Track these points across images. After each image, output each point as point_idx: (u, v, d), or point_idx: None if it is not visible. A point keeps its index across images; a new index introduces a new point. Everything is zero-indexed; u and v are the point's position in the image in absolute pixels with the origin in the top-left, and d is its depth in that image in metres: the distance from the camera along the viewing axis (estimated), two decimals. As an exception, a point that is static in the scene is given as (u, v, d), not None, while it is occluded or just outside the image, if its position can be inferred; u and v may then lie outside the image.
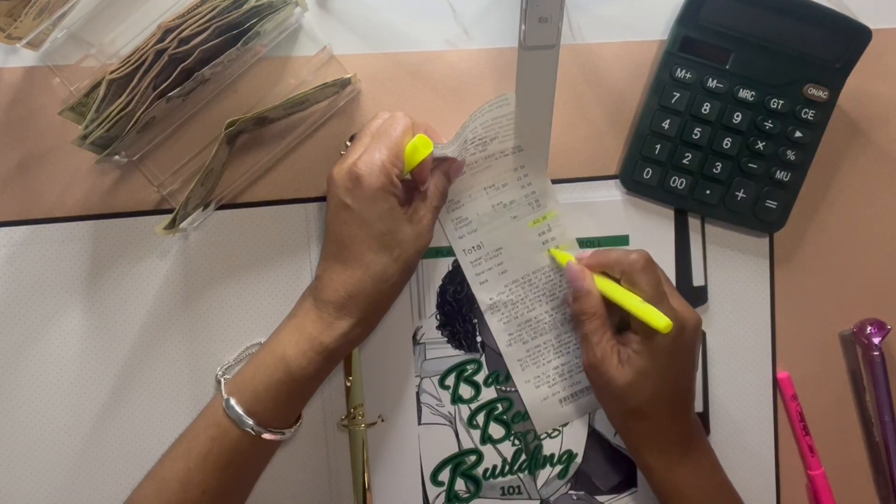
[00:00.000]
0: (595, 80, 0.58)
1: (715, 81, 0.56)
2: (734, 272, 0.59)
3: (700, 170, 0.57)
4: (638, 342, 0.50)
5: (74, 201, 0.55)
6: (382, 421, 0.57)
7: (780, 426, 0.60)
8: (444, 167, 0.54)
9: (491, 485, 0.59)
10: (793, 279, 0.60)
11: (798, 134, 0.56)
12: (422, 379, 0.58)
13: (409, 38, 0.57)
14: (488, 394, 0.58)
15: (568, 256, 0.55)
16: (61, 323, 0.55)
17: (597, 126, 0.58)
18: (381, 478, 0.58)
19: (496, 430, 0.59)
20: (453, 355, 0.58)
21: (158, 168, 0.56)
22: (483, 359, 0.58)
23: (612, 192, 0.58)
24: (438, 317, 0.58)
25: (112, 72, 0.48)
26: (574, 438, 0.59)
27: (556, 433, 0.59)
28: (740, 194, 0.57)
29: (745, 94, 0.56)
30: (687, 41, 0.56)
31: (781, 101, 0.56)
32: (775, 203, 0.57)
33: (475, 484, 0.59)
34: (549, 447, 0.59)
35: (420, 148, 0.50)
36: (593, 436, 0.59)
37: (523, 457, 0.59)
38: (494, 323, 0.57)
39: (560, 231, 0.57)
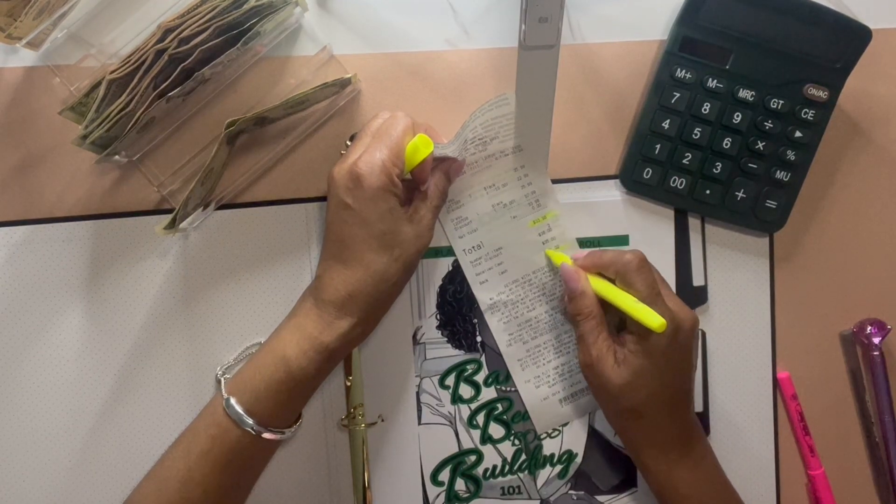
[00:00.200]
0: (595, 80, 0.58)
1: (715, 81, 0.56)
2: (734, 272, 0.59)
3: (700, 170, 0.57)
4: (634, 342, 0.50)
5: (74, 201, 0.55)
6: (382, 421, 0.57)
7: (780, 426, 0.60)
8: (445, 167, 0.54)
9: (491, 485, 0.59)
10: (793, 279, 0.60)
11: (798, 134, 0.56)
12: (422, 379, 0.58)
13: (409, 38, 0.57)
14: (488, 394, 0.58)
15: (563, 257, 0.56)
16: (61, 323, 0.55)
17: (597, 126, 0.58)
18: (381, 477, 0.58)
19: (496, 430, 0.59)
20: (453, 355, 0.58)
21: (158, 168, 0.56)
22: (483, 359, 0.58)
23: (612, 192, 0.58)
24: (438, 317, 0.58)
25: (112, 72, 0.48)
26: (574, 438, 0.59)
27: (556, 433, 0.59)
28: (740, 194, 0.57)
29: (745, 94, 0.56)
30: (687, 41, 0.56)
31: (781, 101, 0.56)
32: (775, 203, 0.57)
33: (475, 484, 0.59)
34: (549, 447, 0.59)
35: (420, 148, 0.50)
36: (593, 436, 0.59)
37: (523, 457, 0.59)
38: (494, 323, 0.57)
39: (560, 231, 0.57)
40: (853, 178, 0.60)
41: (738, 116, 0.56)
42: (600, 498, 0.59)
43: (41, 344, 0.55)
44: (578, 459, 0.59)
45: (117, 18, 0.55)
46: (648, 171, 0.57)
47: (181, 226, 0.54)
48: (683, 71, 0.56)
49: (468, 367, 0.58)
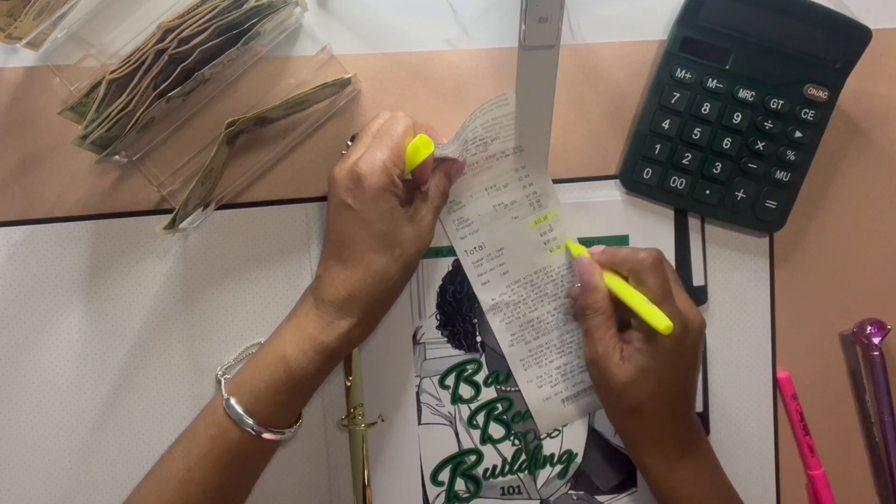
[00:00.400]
0: (595, 80, 0.58)
1: (715, 81, 0.56)
2: (734, 272, 0.59)
3: (700, 170, 0.57)
4: (640, 340, 0.50)
5: (74, 201, 0.55)
6: (382, 421, 0.57)
7: (780, 426, 0.60)
8: (445, 167, 0.54)
9: (491, 485, 0.59)
10: (793, 279, 0.60)
11: (798, 134, 0.56)
12: (422, 379, 0.58)
13: (409, 38, 0.57)
14: (488, 394, 0.58)
15: (581, 248, 0.56)
16: (61, 323, 0.55)
17: (597, 126, 0.58)
18: (381, 477, 0.58)
19: (496, 430, 0.59)
20: (453, 355, 0.58)
21: (158, 168, 0.56)
22: (483, 359, 0.58)
23: (612, 192, 0.58)
24: (438, 317, 0.58)
25: (112, 72, 0.48)
26: (574, 438, 0.59)
27: (556, 433, 0.59)
28: (740, 194, 0.57)
29: (745, 94, 0.56)
30: (687, 41, 0.56)
31: (781, 101, 0.56)
32: (775, 203, 0.57)
33: (475, 484, 0.59)
34: (549, 447, 0.59)
35: (421, 148, 0.50)
36: (593, 436, 0.59)
37: (523, 457, 0.59)
38: (496, 323, 0.57)
39: (561, 231, 0.57)
40: (853, 178, 0.60)
41: (738, 116, 0.56)
42: (600, 498, 0.59)
43: (41, 344, 0.55)
44: (578, 459, 0.59)
45: (117, 18, 0.55)
46: (648, 171, 0.57)
47: (181, 226, 0.54)
48: (683, 71, 0.56)
49: (468, 367, 0.58)
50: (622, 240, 0.58)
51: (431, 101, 0.57)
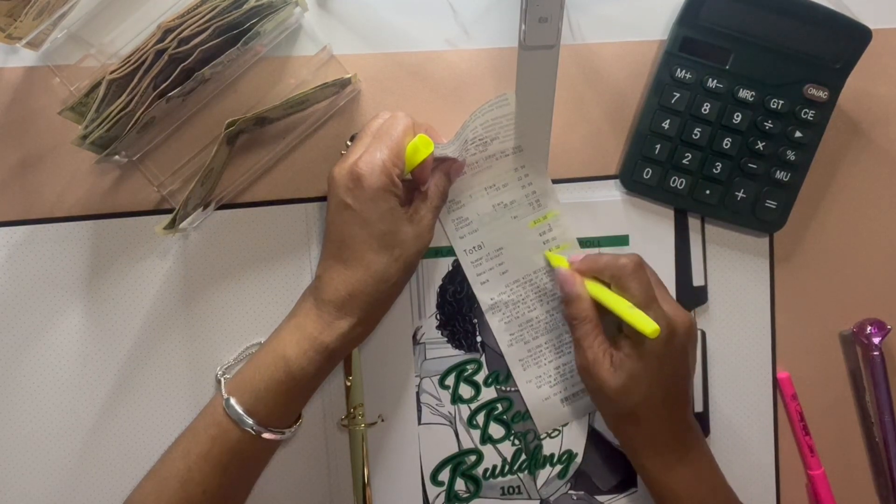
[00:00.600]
0: (595, 80, 0.58)
1: (715, 81, 0.56)
2: (734, 272, 0.59)
3: (700, 170, 0.57)
4: (629, 346, 0.50)
5: (74, 201, 0.55)
6: (382, 421, 0.57)
7: (780, 426, 0.60)
8: (445, 167, 0.54)
9: (491, 485, 0.59)
10: (793, 279, 0.60)
11: (798, 134, 0.56)
12: (422, 379, 0.58)
13: (409, 38, 0.57)
14: (488, 394, 0.58)
15: (561, 259, 0.55)
16: (61, 323, 0.55)
17: (597, 126, 0.58)
18: (381, 477, 0.58)
19: (496, 430, 0.59)
20: (453, 355, 0.58)
21: (158, 168, 0.56)
22: (483, 359, 0.58)
23: (612, 192, 0.58)
24: (438, 317, 0.58)
25: (112, 72, 0.48)
26: (574, 438, 0.59)
27: (556, 433, 0.59)
28: (740, 194, 0.57)
29: (745, 94, 0.56)
30: (687, 41, 0.56)
31: (781, 101, 0.56)
32: (775, 203, 0.57)
33: (475, 484, 0.59)
34: (549, 447, 0.59)
35: (421, 148, 0.50)
36: (593, 436, 0.59)
37: (523, 457, 0.59)
38: (495, 323, 0.57)
39: (561, 231, 0.57)
40: (853, 178, 0.60)
41: (738, 116, 0.56)
42: (600, 498, 0.59)
43: (41, 344, 0.55)
44: (578, 459, 0.59)
45: (117, 18, 0.55)
46: (648, 171, 0.57)
47: (181, 226, 0.54)
48: (683, 71, 0.56)
49: (468, 367, 0.58)
50: (622, 240, 0.58)
51: (431, 101, 0.57)
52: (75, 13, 0.53)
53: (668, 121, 0.57)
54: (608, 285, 0.52)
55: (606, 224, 0.58)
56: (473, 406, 0.58)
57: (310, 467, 0.57)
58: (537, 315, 0.58)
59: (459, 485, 0.59)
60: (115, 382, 0.56)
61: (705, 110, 0.56)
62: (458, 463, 0.58)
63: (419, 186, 0.52)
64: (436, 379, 0.58)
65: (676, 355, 0.51)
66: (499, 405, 0.59)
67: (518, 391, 0.58)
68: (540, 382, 0.58)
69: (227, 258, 0.56)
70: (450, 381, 0.58)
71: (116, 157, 0.53)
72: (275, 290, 0.57)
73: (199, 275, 0.56)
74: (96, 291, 0.56)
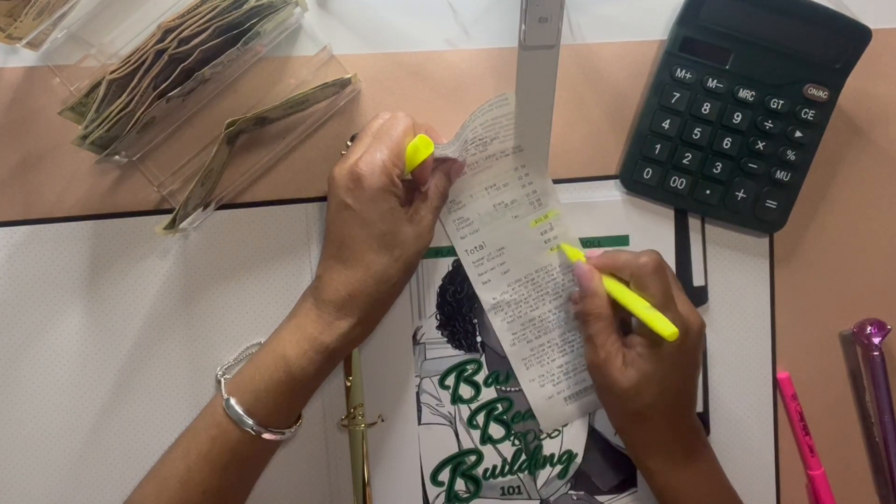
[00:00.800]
0: (595, 80, 0.58)
1: (715, 81, 0.56)
2: (734, 272, 0.59)
3: (700, 170, 0.57)
4: (643, 346, 0.50)
5: (74, 201, 0.55)
6: (382, 421, 0.57)
7: (780, 426, 0.60)
8: (445, 167, 0.54)
9: (491, 485, 0.59)
10: (793, 279, 0.60)
11: (798, 134, 0.56)
12: (422, 379, 0.58)
13: (409, 38, 0.57)
14: (488, 394, 0.58)
15: (578, 254, 0.55)
16: (61, 323, 0.55)
17: (597, 126, 0.58)
18: (381, 478, 0.58)
19: (496, 430, 0.59)
20: (453, 355, 0.58)
21: (158, 168, 0.56)
22: (483, 359, 0.58)
23: (612, 192, 0.58)
24: (438, 317, 0.58)
25: (112, 72, 0.48)
26: (574, 438, 0.59)
27: (556, 433, 0.59)
28: (740, 194, 0.57)
29: (745, 94, 0.56)
30: (687, 41, 0.56)
31: (781, 101, 0.56)
32: (775, 203, 0.57)
33: (475, 484, 0.59)
34: (549, 447, 0.59)
35: (421, 148, 0.50)
36: (593, 436, 0.59)
37: (523, 457, 0.59)
38: (498, 323, 0.57)
39: (562, 230, 0.57)
40: (853, 178, 0.60)
41: (738, 116, 0.56)
42: (600, 498, 0.59)
43: (41, 344, 0.55)
44: (578, 459, 0.59)
45: (117, 18, 0.55)
46: (648, 171, 0.57)
47: (181, 226, 0.54)
48: (683, 71, 0.56)
49: (468, 367, 0.58)
50: (622, 240, 0.58)
51: (431, 101, 0.57)
52: (75, 13, 0.53)
53: (668, 121, 0.57)
54: (625, 283, 0.52)
55: (606, 224, 0.58)
56: (473, 406, 0.58)
57: (310, 467, 0.57)
58: (540, 314, 0.58)
59: (459, 485, 0.59)
60: (115, 382, 0.56)
61: (705, 110, 0.56)
62: (458, 463, 0.58)
63: (419, 187, 0.52)
64: (436, 379, 0.58)
65: (688, 356, 0.51)
66: (499, 405, 0.59)
67: (518, 391, 0.58)
68: (543, 381, 0.58)
69: (227, 258, 0.56)
70: (450, 381, 0.58)
71: (116, 157, 0.53)
72: (275, 290, 0.57)
73: (199, 275, 0.56)
74: (96, 291, 0.56)
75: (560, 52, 0.50)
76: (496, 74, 0.58)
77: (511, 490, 0.59)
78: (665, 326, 0.48)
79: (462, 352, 0.58)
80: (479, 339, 0.58)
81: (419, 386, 0.58)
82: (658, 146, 0.57)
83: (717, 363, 0.59)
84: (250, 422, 0.49)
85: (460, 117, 0.54)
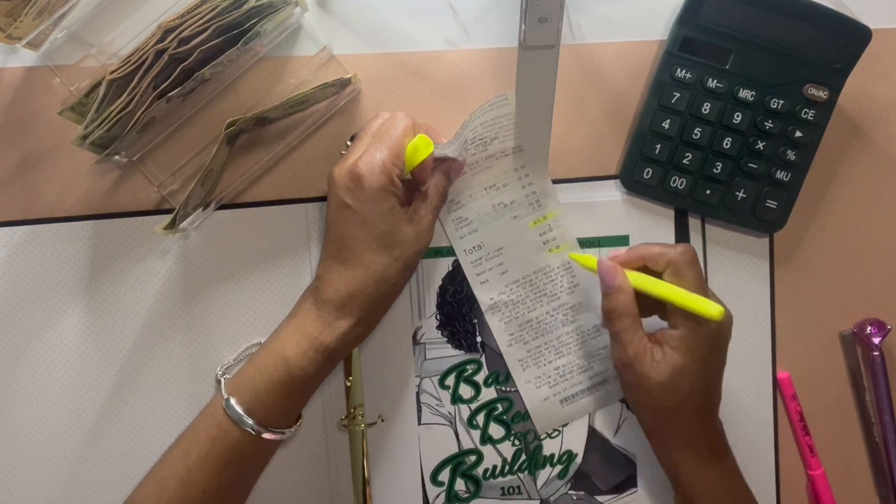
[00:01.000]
0: (595, 80, 0.58)
1: (715, 81, 0.56)
2: (734, 272, 0.59)
3: (700, 170, 0.57)
4: (677, 339, 0.49)
5: (74, 201, 0.55)
6: (382, 421, 0.57)
7: (780, 426, 0.60)
8: (445, 167, 0.54)
9: (491, 485, 0.59)
10: (793, 279, 0.60)
11: (798, 134, 0.56)
12: (422, 379, 0.58)
13: (409, 38, 0.57)
14: (488, 394, 0.58)
15: (591, 260, 0.53)
16: (61, 323, 0.55)
17: (597, 126, 0.58)
18: (381, 478, 0.58)
19: (496, 431, 0.59)
20: (453, 355, 0.58)
21: (158, 168, 0.56)
22: (483, 359, 0.58)
23: (612, 192, 0.58)
24: (438, 317, 0.58)
25: (112, 72, 0.48)
26: (574, 438, 0.59)
27: (556, 433, 0.59)
28: (740, 194, 0.57)
29: (745, 94, 0.56)
30: (687, 41, 0.56)
31: (781, 101, 0.56)
32: (775, 203, 0.57)
33: (475, 484, 0.59)
34: (549, 447, 0.59)
35: (421, 148, 0.50)
36: (593, 436, 0.59)
37: (523, 457, 0.59)
38: (495, 323, 0.57)
39: (561, 231, 0.57)
40: (853, 178, 0.60)
41: (738, 116, 0.56)
42: (600, 498, 0.59)
43: (41, 344, 0.55)
44: (578, 460, 0.59)
45: (117, 18, 0.55)
46: (648, 171, 0.57)
47: (181, 226, 0.54)
48: (683, 71, 0.56)
49: (468, 367, 0.58)
50: (622, 240, 0.58)
51: (431, 101, 0.57)
52: (75, 13, 0.53)
53: (668, 121, 0.57)
54: (656, 275, 0.51)
55: (606, 224, 0.58)
56: (473, 406, 0.58)
57: (310, 467, 0.57)
58: (537, 315, 0.58)
59: (459, 485, 0.59)
60: (115, 382, 0.56)
61: (705, 110, 0.56)
62: (458, 463, 0.58)
63: (419, 186, 0.52)
64: (436, 379, 0.58)
65: (720, 349, 0.51)
66: (499, 405, 0.59)
67: (518, 391, 0.58)
68: (539, 383, 0.58)
69: (227, 258, 0.56)
70: (450, 381, 0.58)
71: (116, 157, 0.53)
72: (275, 290, 0.57)
73: (199, 275, 0.56)
74: (96, 291, 0.56)
75: (560, 52, 0.50)
76: (496, 74, 0.58)
77: (511, 490, 0.59)
78: (710, 307, 0.47)
79: (462, 352, 0.58)
80: (479, 339, 0.58)
81: (419, 386, 0.58)
82: (658, 146, 0.57)
83: (717, 363, 0.59)
84: (250, 422, 0.49)
85: (460, 117, 0.54)
